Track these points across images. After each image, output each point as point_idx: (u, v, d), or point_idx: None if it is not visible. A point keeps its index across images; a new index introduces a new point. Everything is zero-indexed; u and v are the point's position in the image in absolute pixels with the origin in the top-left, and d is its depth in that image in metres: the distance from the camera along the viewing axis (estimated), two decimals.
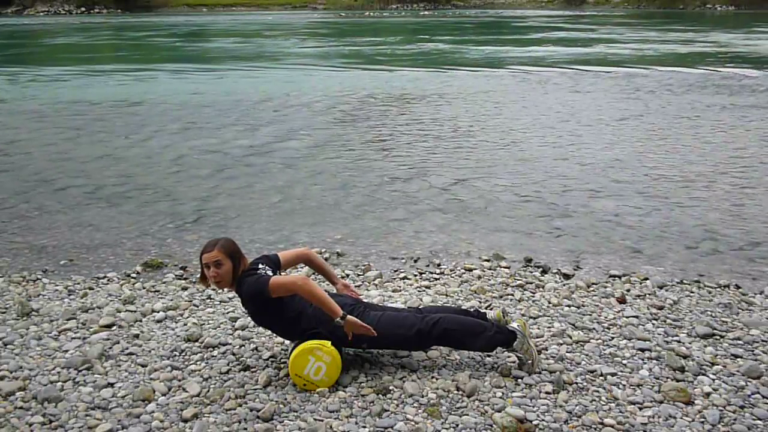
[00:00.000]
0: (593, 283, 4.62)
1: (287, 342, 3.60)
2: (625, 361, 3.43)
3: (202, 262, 3.24)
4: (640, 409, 3.01)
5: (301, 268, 4.68)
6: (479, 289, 4.44)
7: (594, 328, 3.82)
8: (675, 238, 5.66)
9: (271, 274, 3.26)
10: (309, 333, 3.22)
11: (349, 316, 3.13)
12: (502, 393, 3.12)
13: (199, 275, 3.39)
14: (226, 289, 3.48)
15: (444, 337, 3.27)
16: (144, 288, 4.61)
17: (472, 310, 3.57)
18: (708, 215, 6.22)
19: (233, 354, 3.53)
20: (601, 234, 5.77)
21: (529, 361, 3.27)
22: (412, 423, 2.90)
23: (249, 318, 3.95)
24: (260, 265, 3.32)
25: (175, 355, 3.52)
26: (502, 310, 3.46)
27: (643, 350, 3.53)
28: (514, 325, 3.31)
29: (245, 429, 2.87)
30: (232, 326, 3.88)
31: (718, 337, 3.73)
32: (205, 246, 3.28)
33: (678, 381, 3.23)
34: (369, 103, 12.91)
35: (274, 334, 3.71)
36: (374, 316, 3.27)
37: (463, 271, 4.90)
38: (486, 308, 4.12)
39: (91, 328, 3.86)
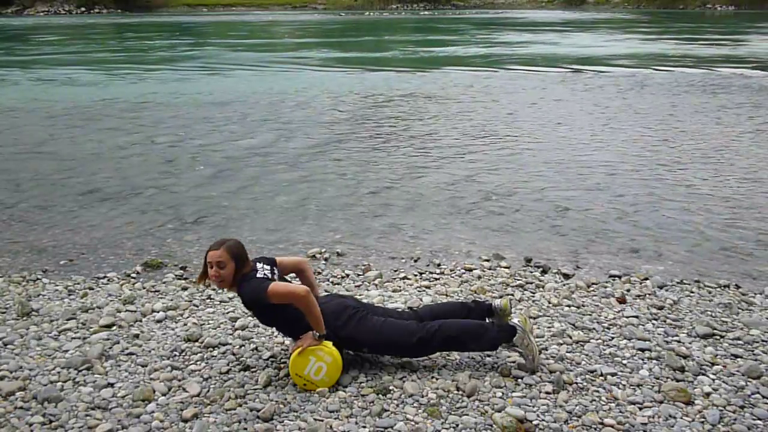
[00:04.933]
0: (593, 283, 4.62)
1: (287, 342, 3.60)
2: (625, 361, 3.43)
3: (206, 259, 3.23)
4: (640, 409, 3.01)
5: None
6: (479, 289, 4.44)
7: (594, 328, 3.82)
8: (675, 238, 5.66)
9: (268, 275, 3.26)
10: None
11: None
12: (502, 393, 3.12)
13: (199, 273, 3.37)
14: (225, 290, 3.45)
15: (446, 344, 3.29)
16: (144, 288, 4.61)
17: (470, 302, 3.55)
18: (708, 215, 6.22)
19: (233, 354, 3.53)
20: (601, 234, 5.76)
21: (530, 357, 3.28)
22: (412, 423, 2.90)
23: (249, 318, 3.97)
24: (258, 265, 3.32)
25: (175, 355, 3.52)
26: (509, 300, 3.45)
27: (643, 350, 3.53)
28: (515, 320, 3.32)
29: (245, 429, 2.87)
30: (232, 326, 3.88)
31: (718, 337, 3.73)
32: (212, 245, 3.27)
33: (678, 381, 3.23)
34: (368, 103, 12.91)
35: (275, 334, 3.73)
36: (376, 322, 3.28)
37: (463, 271, 4.89)
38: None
39: (91, 328, 3.86)
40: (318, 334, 3.14)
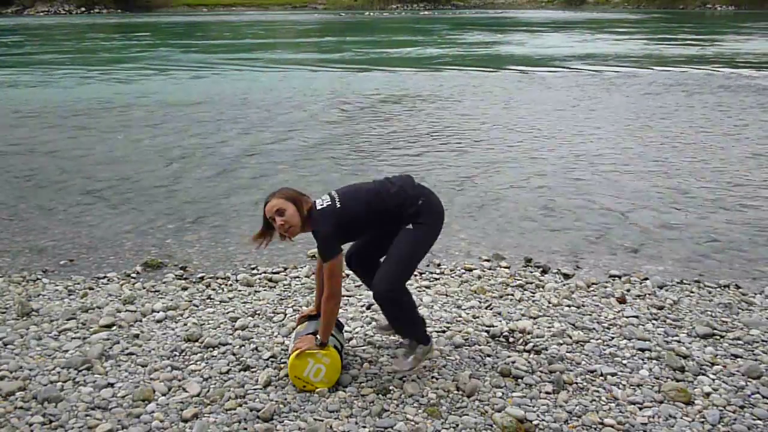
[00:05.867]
0: (593, 283, 4.62)
1: (287, 341, 3.60)
2: (625, 361, 3.43)
3: (266, 216, 3.14)
4: (640, 409, 3.01)
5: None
6: (479, 289, 4.44)
7: (594, 328, 3.82)
8: (675, 238, 5.66)
9: (328, 201, 3.14)
10: None
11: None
12: (502, 393, 3.12)
13: (257, 232, 3.24)
14: (297, 237, 3.23)
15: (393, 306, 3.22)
16: (144, 288, 4.60)
17: None
18: (708, 215, 6.22)
19: (233, 354, 3.52)
20: (601, 234, 5.77)
21: (414, 362, 3.31)
22: (412, 423, 2.90)
23: (249, 318, 3.97)
24: (318, 199, 3.20)
25: (175, 355, 3.52)
26: None
27: (643, 350, 3.53)
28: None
29: (245, 429, 2.87)
30: (232, 326, 3.87)
31: (718, 337, 3.73)
32: (264, 201, 3.17)
33: (678, 381, 3.24)
34: (367, 103, 12.91)
35: (275, 334, 3.73)
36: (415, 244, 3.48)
37: (463, 271, 4.89)
38: (486, 308, 4.12)
39: (91, 328, 3.86)
40: (320, 341, 3.13)
